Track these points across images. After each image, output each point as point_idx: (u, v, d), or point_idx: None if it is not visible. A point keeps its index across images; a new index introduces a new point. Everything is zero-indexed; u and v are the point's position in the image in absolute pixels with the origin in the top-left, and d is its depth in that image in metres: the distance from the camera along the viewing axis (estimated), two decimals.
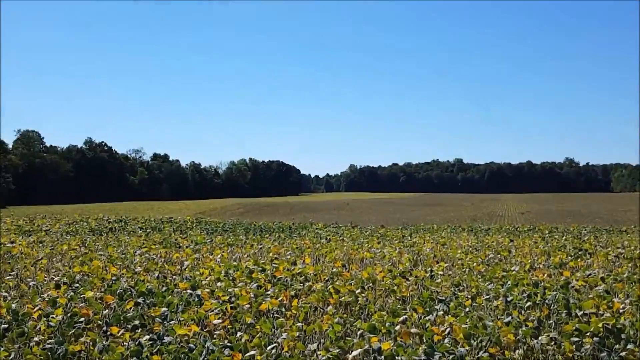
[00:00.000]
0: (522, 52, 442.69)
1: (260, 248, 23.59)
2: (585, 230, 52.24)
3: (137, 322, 10.90)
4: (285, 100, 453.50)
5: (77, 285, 13.85)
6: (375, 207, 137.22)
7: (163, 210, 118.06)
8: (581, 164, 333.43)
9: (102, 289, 13.34)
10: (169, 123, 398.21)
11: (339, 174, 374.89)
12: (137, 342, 9.30)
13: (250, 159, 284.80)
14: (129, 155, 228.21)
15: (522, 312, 11.89)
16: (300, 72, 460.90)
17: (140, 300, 12.15)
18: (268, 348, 9.21)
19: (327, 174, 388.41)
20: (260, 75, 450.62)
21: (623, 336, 10.11)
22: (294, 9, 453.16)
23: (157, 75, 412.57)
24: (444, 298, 12.88)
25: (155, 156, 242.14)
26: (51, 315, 10.83)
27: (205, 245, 25.63)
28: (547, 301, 12.39)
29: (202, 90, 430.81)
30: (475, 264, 18.52)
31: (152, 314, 11.04)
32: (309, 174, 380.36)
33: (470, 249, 25.36)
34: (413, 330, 10.24)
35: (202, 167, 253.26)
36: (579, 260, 20.87)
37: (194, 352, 8.98)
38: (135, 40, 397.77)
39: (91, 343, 9.60)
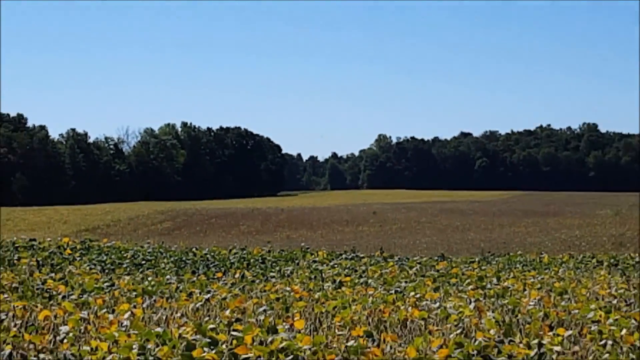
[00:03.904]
0: None
1: (207, 300, 15.36)
2: None
3: None
4: (246, 20, 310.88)
5: None
6: (429, 219, 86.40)
7: (16, 225, 77.19)
8: None
9: None
10: (24, 60, 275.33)
11: (357, 154, 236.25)
12: None
13: (184, 124, 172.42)
14: None
15: None
16: None
17: None
18: None
19: (334, 155, 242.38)
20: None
21: None
22: None
23: None
24: None
25: (0, 119, 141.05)
26: None
27: (100, 294, 16.48)
28: None
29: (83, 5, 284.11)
30: (624, 331, 11.37)
31: None
32: (298, 155, 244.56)
33: (616, 301, 15.91)
34: None
35: (90, 140, 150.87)
36: None
37: None
38: None
39: None
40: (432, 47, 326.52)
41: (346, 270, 24.56)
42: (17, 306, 12.90)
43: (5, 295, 15.02)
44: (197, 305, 14.36)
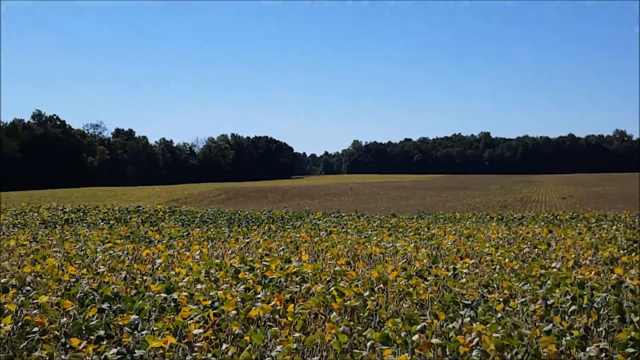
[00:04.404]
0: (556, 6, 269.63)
1: (247, 242, 14.78)
2: None
3: (101, 332, 6.28)
4: (274, 64, 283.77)
5: (29, 288, 8.30)
6: (385, 192, 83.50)
7: (129, 198, 74.26)
8: (635, 138, 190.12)
9: (59, 293, 8.01)
10: (133, 92, 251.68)
11: (340, 152, 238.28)
12: (102, 357, 5.49)
13: (232, 134, 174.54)
14: (86, 132, 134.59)
15: (566, 318, 7.04)
16: (290, 31, 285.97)
17: (104, 306, 7.27)
18: None
19: (326, 153, 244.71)
20: (241, 37, 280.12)
21: None
22: None
23: (116, 38, 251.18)
24: (470, 302, 7.65)
25: (118, 132, 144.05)
26: None
27: (180, 239, 15.99)
28: (595, 305, 7.22)
29: (170, 54, 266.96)
30: (507, 260, 11.47)
31: (120, 323, 6.55)
32: (304, 153, 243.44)
33: (501, 242, 15.67)
34: (434, 340, 5.95)
35: (174, 145, 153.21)
36: (633, 254, 12.37)
37: None
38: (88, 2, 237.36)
39: (47, 358, 5.62)
40: (389, 78, 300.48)
41: (334, 224, 24.67)
42: (129, 247, 13.36)
43: (122, 241, 15.47)
44: (241, 246, 14.50)
